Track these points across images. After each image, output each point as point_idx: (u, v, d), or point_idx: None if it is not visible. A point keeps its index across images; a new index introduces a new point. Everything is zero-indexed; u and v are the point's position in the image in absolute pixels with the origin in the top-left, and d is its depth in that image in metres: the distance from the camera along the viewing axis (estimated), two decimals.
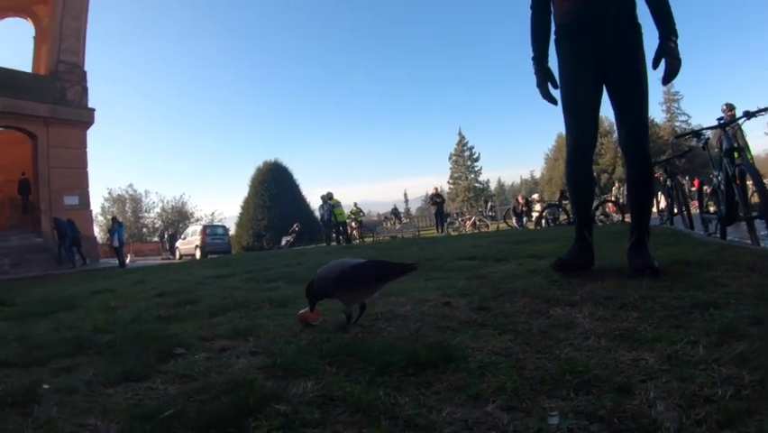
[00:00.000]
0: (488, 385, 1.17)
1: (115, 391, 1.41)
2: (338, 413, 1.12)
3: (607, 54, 2.44)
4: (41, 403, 1.34)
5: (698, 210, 5.93)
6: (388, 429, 1.02)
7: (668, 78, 2.38)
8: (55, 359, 1.78)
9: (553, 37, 2.64)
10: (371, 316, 2.01)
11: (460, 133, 59.47)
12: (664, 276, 2.20)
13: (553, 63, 2.66)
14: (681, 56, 2.39)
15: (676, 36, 2.37)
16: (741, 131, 4.23)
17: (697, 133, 5.67)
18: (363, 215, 22.25)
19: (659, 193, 10.53)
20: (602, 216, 11.38)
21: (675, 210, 7.43)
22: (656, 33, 2.43)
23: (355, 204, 21.46)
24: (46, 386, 1.47)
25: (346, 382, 1.29)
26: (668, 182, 7.70)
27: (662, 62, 2.39)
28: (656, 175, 15.21)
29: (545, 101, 2.60)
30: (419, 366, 1.33)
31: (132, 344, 1.87)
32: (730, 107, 8.47)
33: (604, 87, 2.52)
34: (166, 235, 34.38)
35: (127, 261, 25.67)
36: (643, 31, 2.48)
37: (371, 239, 19.06)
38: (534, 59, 2.64)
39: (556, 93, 2.63)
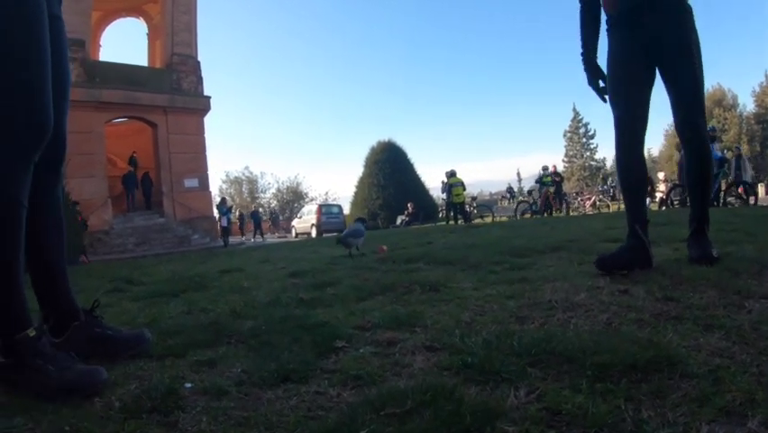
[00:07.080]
0: (733, 396, 0.94)
1: (275, 395, 1.12)
2: None
3: (656, 39, 2.30)
4: (186, 410, 1.07)
5: None
6: None
7: None
8: (193, 349, 1.52)
9: (604, 27, 2.53)
10: (545, 304, 1.73)
11: (574, 109, 55.51)
12: None
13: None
14: None
15: None
16: None
17: None
18: (559, 178, 18.56)
19: None
20: (732, 199, 10.19)
21: None
22: (706, 15, 2.01)
23: (544, 168, 17.95)
24: (188, 385, 1.21)
25: (562, 389, 1.03)
26: None
27: None
28: None
29: (598, 98, 2.52)
30: (640, 370, 1.08)
31: (279, 332, 1.60)
32: None
33: (654, 73, 2.37)
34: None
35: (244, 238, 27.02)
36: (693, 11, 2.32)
37: (490, 219, 18.15)
38: (582, 55, 2.56)
39: None
